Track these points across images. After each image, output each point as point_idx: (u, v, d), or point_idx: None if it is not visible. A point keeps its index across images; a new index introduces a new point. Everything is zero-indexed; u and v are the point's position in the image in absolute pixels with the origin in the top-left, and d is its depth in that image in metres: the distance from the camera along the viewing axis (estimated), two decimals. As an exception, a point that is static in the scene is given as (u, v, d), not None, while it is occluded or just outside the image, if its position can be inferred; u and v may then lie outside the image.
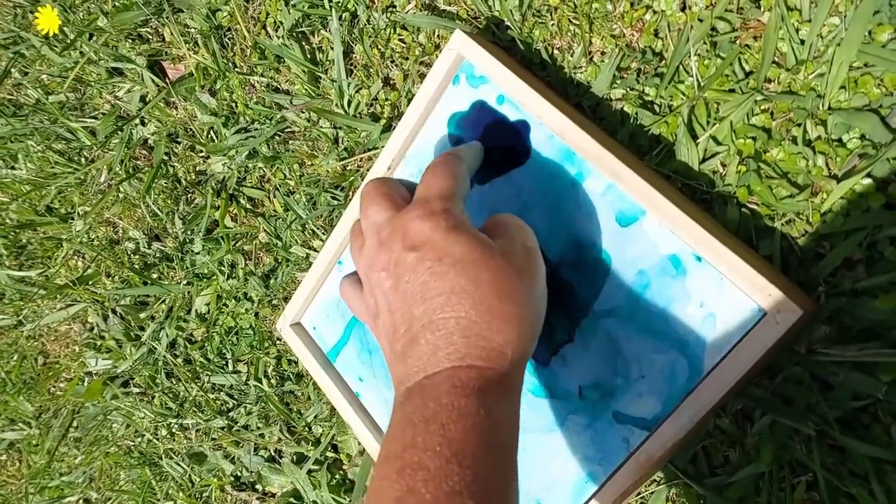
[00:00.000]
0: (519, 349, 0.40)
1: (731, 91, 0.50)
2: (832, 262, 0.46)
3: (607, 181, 0.49)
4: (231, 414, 0.83)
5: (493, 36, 0.60)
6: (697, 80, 0.51)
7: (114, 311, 0.94)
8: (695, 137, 0.51)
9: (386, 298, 0.43)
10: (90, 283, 0.95)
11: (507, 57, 0.58)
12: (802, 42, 0.47)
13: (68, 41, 0.93)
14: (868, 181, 0.45)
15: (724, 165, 0.51)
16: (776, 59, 0.49)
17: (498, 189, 0.55)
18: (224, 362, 0.82)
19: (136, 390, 0.93)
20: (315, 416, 0.75)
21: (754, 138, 0.49)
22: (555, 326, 0.52)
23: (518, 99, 0.53)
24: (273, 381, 0.78)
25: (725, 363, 0.44)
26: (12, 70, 1.06)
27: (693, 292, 0.46)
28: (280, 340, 0.78)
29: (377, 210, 0.45)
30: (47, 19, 0.86)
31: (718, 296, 0.45)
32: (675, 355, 0.47)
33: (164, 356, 0.86)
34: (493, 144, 0.55)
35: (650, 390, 0.48)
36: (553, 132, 0.51)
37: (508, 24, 0.59)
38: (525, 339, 0.41)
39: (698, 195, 0.51)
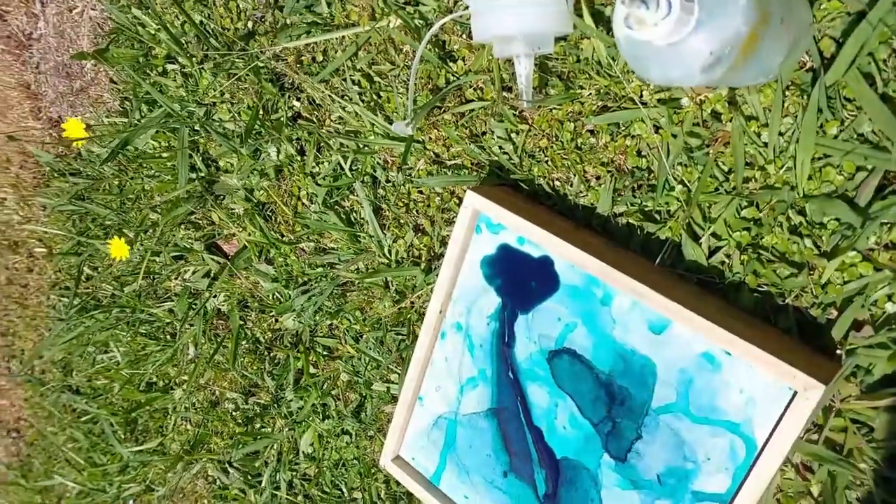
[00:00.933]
0: None
1: (717, 192, 0.57)
2: (842, 326, 0.53)
3: (631, 298, 0.56)
4: (357, 535, 0.92)
5: (499, 178, 0.69)
6: (686, 185, 0.59)
7: (230, 464, 1.05)
8: (697, 237, 0.59)
9: None
10: (203, 444, 1.06)
11: (516, 198, 0.66)
12: (765, 144, 0.54)
13: (130, 242, 1.05)
14: (854, 253, 0.52)
15: (728, 257, 0.58)
16: (748, 160, 0.56)
17: (541, 316, 0.63)
18: (340, 493, 0.92)
19: (266, 527, 1.04)
20: (432, 525, 0.83)
21: (748, 229, 0.56)
22: (623, 427, 0.59)
23: (534, 239, 0.61)
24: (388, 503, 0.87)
25: (775, 437, 0.51)
26: (84, 269, 1.19)
27: (731, 381, 0.53)
28: (384, 465, 0.87)
29: None
30: (118, 248, 0.97)
31: (753, 382, 0.52)
32: (731, 437, 0.54)
33: (286, 498, 0.96)
34: (525, 279, 0.63)
35: (718, 469, 0.55)
36: (572, 263, 0.59)
37: (508, 167, 0.68)
38: None
39: (712, 287, 0.58)
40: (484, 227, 0.65)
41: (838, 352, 0.53)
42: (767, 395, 0.51)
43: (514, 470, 0.67)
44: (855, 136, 0.51)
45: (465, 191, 0.64)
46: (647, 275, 0.57)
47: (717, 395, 0.54)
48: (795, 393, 0.50)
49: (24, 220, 1.33)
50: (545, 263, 0.62)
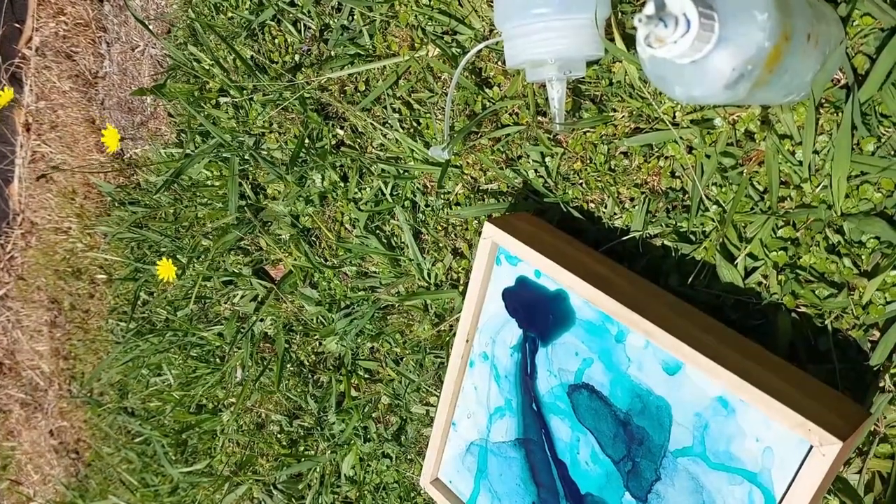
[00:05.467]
0: None
1: (752, 211, 0.57)
2: (885, 347, 0.51)
3: (644, 337, 0.55)
4: (397, 560, 0.92)
5: (535, 202, 0.69)
6: (721, 206, 0.58)
7: (275, 486, 1.06)
8: (733, 258, 0.58)
9: None
10: (249, 466, 1.08)
11: (540, 226, 0.65)
12: (800, 163, 0.54)
13: (183, 269, 1.09)
14: (895, 273, 0.50)
15: (765, 277, 0.57)
16: (783, 179, 0.55)
17: (560, 349, 0.62)
18: (380, 516, 0.92)
19: (309, 551, 1.04)
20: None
21: (785, 249, 0.56)
22: (642, 468, 0.58)
23: (548, 273, 0.60)
24: (427, 527, 0.87)
25: (793, 490, 0.48)
26: (140, 294, 1.24)
27: (746, 428, 0.50)
28: (424, 490, 0.87)
29: None
30: (165, 270, 1.02)
31: (769, 431, 0.49)
32: (749, 486, 0.51)
33: (328, 521, 0.97)
34: (542, 312, 0.62)
35: None
36: (586, 299, 0.58)
37: (543, 191, 0.68)
38: None
39: (751, 307, 0.57)
40: (503, 258, 0.65)
41: (882, 374, 0.52)
42: (784, 447, 0.48)
43: (542, 501, 0.66)
44: (893, 152, 0.50)
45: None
46: (668, 310, 0.56)
47: (733, 442, 0.51)
48: (811, 450, 0.47)
49: (87, 247, 1.40)
50: (561, 298, 0.61)
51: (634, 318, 0.54)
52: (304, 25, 0.88)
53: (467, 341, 0.68)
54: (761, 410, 0.49)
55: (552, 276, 0.60)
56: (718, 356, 0.50)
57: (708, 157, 0.58)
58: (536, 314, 0.62)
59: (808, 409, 0.46)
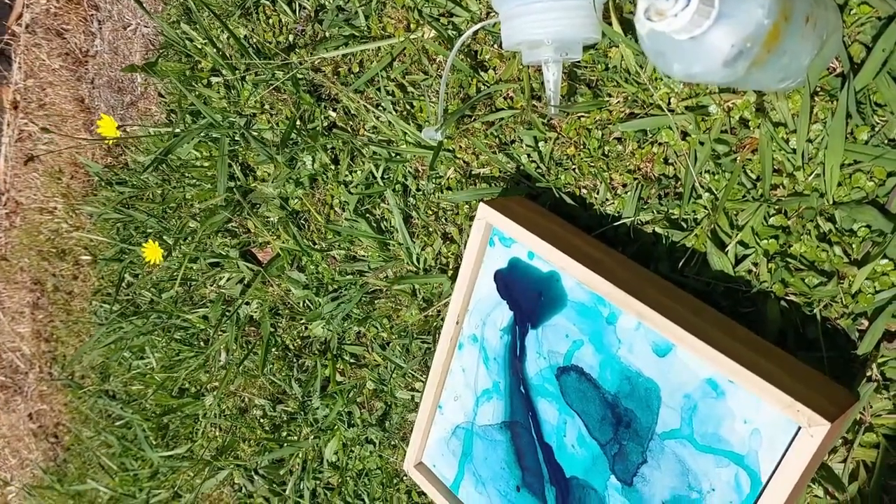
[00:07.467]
0: None
1: (744, 199, 0.57)
2: (873, 336, 0.51)
3: (636, 319, 0.55)
4: (377, 547, 0.91)
5: (527, 186, 0.69)
6: (713, 193, 0.58)
7: (256, 472, 1.05)
8: (724, 245, 0.58)
9: None
10: (231, 451, 1.07)
11: (534, 209, 0.65)
12: (794, 151, 0.54)
13: (169, 250, 1.08)
14: (886, 261, 0.50)
15: (755, 265, 0.57)
16: (776, 167, 0.55)
17: (550, 331, 0.62)
18: (362, 503, 0.91)
19: (289, 537, 1.03)
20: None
21: (776, 237, 0.56)
22: (628, 450, 0.57)
23: (542, 254, 0.60)
24: (408, 514, 0.86)
25: (780, 473, 0.48)
26: (125, 276, 1.23)
27: (735, 410, 0.50)
28: (407, 476, 0.87)
29: None
30: (152, 252, 1.00)
31: (758, 412, 0.49)
32: (735, 469, 0.51)
33: (309, 506, 0.96)
34: (534, 293, 0.62)
35: (723, 501, 0.52)
36: (578, 280, 0.58)
37: (535, 176, 0.68)
38: None
39: (740, 295, 0.57)
40: (497, 240, 0.64)
41: (869, 363, 0.52)
42: (772, 428, 0.48)
43: (527, 485, 0.66)
44: (886, 141, 0.50)
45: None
46: (659, 292, 0.55)
47: (722, 423, 0.51)
48: (799, 430, 0.47)
49: (73, 228, 1.38)
50: (553, 279, 0.61)
51: (627, 299, 0.54)
52: (299, 5, 0.87)
53: (457, 323, 0.68)
54: (751, 392, 0.49)
55: (546, 257, 0.60)
56: (709, 338, 0.50)
57: (702, 143, 0.58)
58: (528, 296, 0.62)
59: (797, 392, 0.46)
